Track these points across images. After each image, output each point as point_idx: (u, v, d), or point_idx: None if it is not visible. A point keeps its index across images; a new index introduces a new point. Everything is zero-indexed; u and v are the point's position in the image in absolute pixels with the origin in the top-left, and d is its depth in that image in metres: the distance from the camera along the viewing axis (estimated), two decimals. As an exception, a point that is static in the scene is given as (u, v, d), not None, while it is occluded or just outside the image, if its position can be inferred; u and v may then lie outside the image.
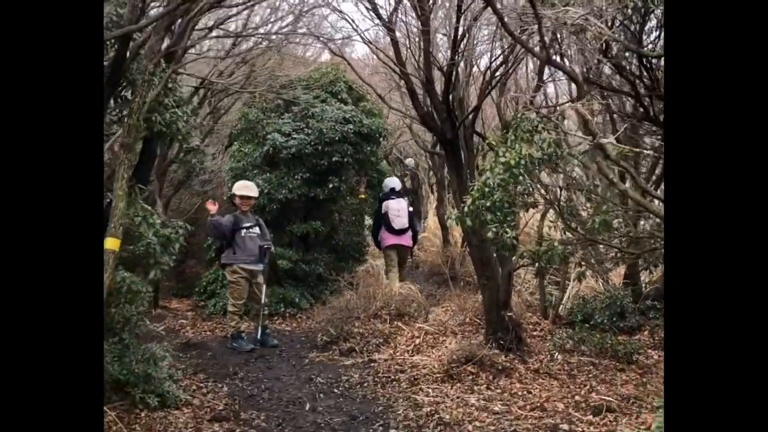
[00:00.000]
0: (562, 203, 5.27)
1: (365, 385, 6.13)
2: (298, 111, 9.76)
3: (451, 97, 6.90)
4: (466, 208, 5.01)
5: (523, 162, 4.89)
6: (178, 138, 4.09)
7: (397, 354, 6.90)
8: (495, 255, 6.87)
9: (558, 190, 5.40)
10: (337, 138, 9.27)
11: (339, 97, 10.20)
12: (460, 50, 6.60)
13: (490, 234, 4.90)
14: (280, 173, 9.47)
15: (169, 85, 4.00)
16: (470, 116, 7.44)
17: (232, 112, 11.31)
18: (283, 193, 9.24)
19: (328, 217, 10.28)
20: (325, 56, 13.49)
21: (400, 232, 9.79)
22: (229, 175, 10.06)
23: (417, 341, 7.15)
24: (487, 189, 4.94)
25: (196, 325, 8.58)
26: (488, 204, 4.92)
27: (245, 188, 7.94)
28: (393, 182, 10.22)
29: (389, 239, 9.80)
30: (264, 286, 7.87)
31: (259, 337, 7.52)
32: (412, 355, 6.81)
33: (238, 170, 9.82)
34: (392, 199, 9.87)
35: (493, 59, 6.82)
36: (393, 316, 7.88)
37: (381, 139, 10.30)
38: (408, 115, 9.07)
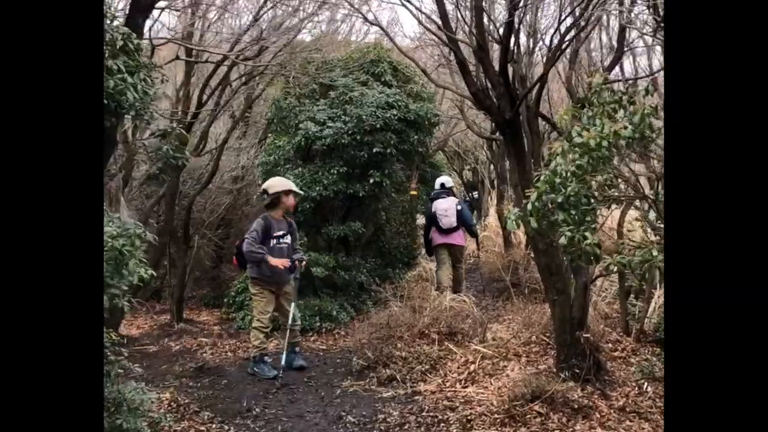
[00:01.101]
0: (657, 197, 4.03)
1: (406, 427, 5.01)
2: (335, 96, 8.70)
3: (510, 69, 5.71)
4: (529, 206, 3.87)
5: (605, 143, 3.73)
6: (130, 114, 3.05)
7: (447, 385, 5.76)
8: (566, 262, 5.66)
9: (653, 179, 4.18)
10: (378, 126, 8.17)
11: (382, 79, 9.10)
12: (520, 7, 5.40)
13: (563, 239, 3.73)
14: (314, 167, 8.43)
15: (120, 43, 2.98)
16: (533, 91, 6.22)
17: (264, 101, 10.33)
18: (317, 190, 8.19)
19: (371, 216, 9.20)
20: (370, 37, 12.40)
21: (449, 231, 9.43)
22: (260, 170, 9.07)
23: (471, 368, 5.99)
24: (557, 180, 3.80)
25: (217, 344, 7.59)
26: (559, 199, 3.77)
27: (291, 184, 6.76)
28: (442, 179, 9.86)
29: (438, 239, 9.45)
30: (294, 300, 6.80)
31: (283, 361, 6.45)
32: (465, 387, 5.66)
33: (269, 165, 8.82)
34: (441, 198, 9.56)
35: (561, 19, 5.58)
36: (443, 335, 6.74)
37: (431, 126, 9.13)
38: (458, 93, 7.86)
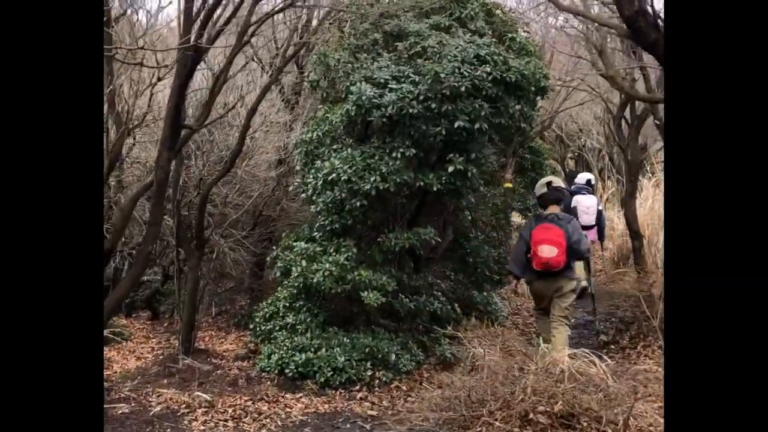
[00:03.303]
0: None
1: None
2: (403, 48, 6.33)
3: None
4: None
5: None
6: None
7: None
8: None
9: None
10: (463, 89, 5.77)
11: (470, 26, 6.65)
12: None
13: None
14: (370, 149, 6.10)
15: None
16: None
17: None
18: (372, 182, 5.86)
19: (449, 219, 6.84)
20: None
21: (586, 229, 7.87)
22: (297, 152, 6.83)
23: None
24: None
25: (218, 405, 5.38)
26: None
27: None
28: (587, 175, 9.70)
29: None
30: None
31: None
32: None
33: (308, 145, 6.57)
34: (582, 194, 9.03)
35: None
36: (557, 419, 4.32)
37: (538, 94, 6.64)
38: (599, 22, 5.32)
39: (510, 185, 8.45)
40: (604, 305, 9.42)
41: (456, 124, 5.83)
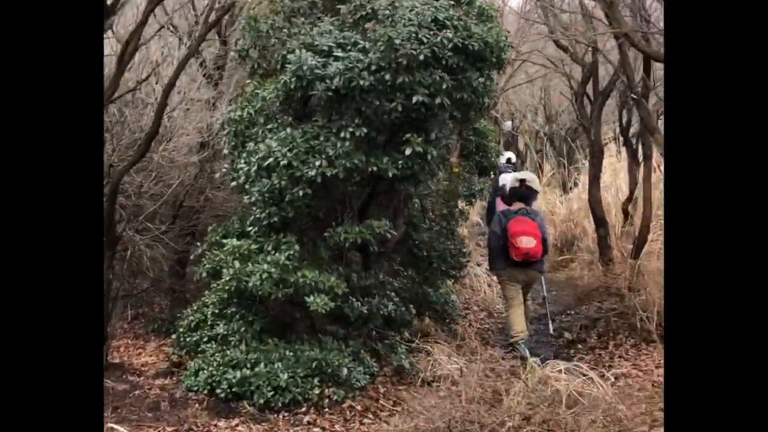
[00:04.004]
0: None
1: None
2: (347, 11, 5.48)
3: None
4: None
5: None
6: None
7: None
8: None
9: None
10: (421, 58, 4.98)
11: (423, -13, 5.85)
12: None
13: None
14: (313, 129, 5.25)
15: None
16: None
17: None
18: (317, 168, 5.03)
19: (402, 208, 6.06)
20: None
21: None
22: (226, 132, 5.92)
23: None
24: None
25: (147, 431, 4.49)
26: None
27: None
28: (508, 154, 9.69)
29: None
30: None
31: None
32: None
33: (238, 124, 5.68)
34: (507, 172, 8.65)
35: None
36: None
37: (498, 66, 5.91)
38: None
39: (456, 170, 7.79)
40: (555, 295, 8.91)
41: (414, 99, 5.03)
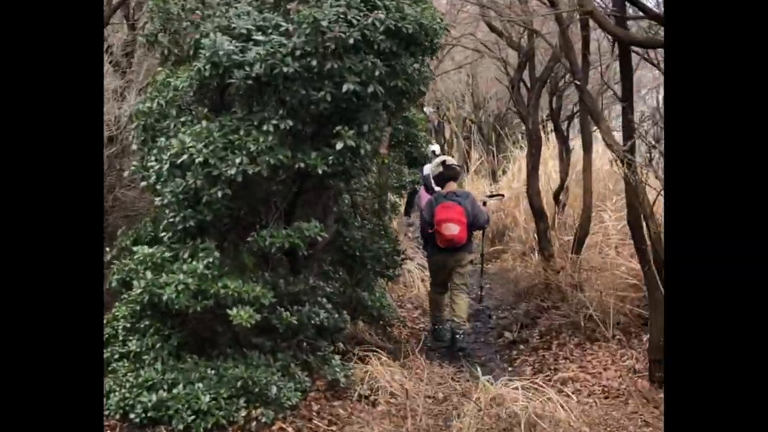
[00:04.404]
0: None
1: None
2: (267, -10, 4.99)
3: None
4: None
5: None
6: None
7: None
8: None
9: None
10: (351, 41, 4.52)
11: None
12: None
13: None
14: (231, 122, 4.73)
15: None
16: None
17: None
18: (237, 165, 4.52)
19: (329, 205, 5.62)
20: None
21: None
22: (135, 125, 5.33)
23: None
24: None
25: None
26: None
27: None
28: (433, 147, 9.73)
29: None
30: None
31: None
32: None
33: (148, 116, 5.10)
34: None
35: None
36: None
37: (432, 51, 5.50)
38: None
39: (386, 161, 7.39)
40: (489, 288, 8.65)
41: (344, 88, 4.57)
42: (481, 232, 7.78)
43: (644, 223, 4.80)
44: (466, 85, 13.90)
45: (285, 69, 4.50)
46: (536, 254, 10.17)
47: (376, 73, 4.64)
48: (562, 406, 3.67)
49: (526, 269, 9.18)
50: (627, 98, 4.58)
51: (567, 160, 8.36)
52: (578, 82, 5.12)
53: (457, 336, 6.42)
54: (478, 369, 4.73)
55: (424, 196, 8.84)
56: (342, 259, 6.23)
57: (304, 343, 5.17)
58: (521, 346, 6.25)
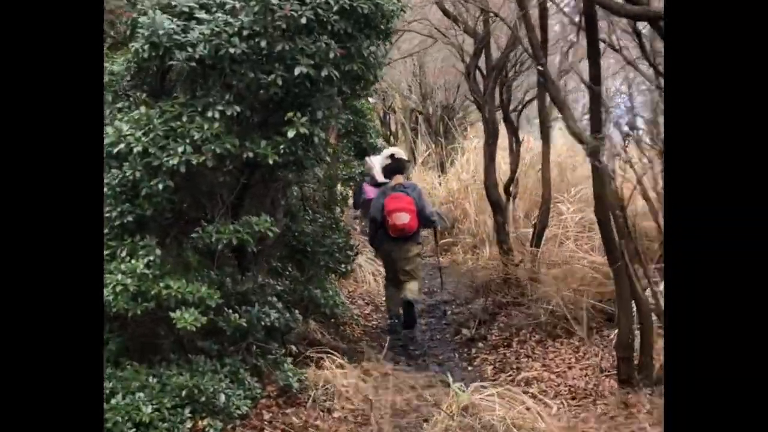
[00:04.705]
0: None
1: None
2: (210, -34, 4.61)
3: None
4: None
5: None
6: None
7: None
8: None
9: None
10: (304, 21, 4.21)
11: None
12: None
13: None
14: (172, 108, 4.36)
15: None
16: None
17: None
18: (180, 155, 4.15)
19: (278, 198, 5.32)
20: None
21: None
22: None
23: None
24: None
25: None
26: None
27: None
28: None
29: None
30: None
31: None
32: None
33: (80, 103, 4.65)
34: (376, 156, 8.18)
35: None
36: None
37: (388, 32, 5.20)
38: None
39: (335, 150, 7.11)
40: (442, 282, 8.44)
41: (296, 71, 4.25)
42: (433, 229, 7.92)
43: (612, 217, 4.60)
44: (413, 75, 13.62)
45: (231, 50, 4.15)
46: (488, 247, 10.04)
47: (331, 55, 4.32)
48: (540, 415, 3.43)
49: (478, 262, 9.01)
50: (596, 82, 4.36)
51: (517, 152, 8.16)
52: (541, 67, 4.89)
53: (411, 307, 6.51)
54: (449, 376, 4.45)
55: (368, 191, 8.66)
56: (291, 255, 5.91)
57: (254, 347, 4.83)
58: (480, 344, 6.02)
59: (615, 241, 4.61)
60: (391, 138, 15.47)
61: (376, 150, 8.50)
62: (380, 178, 7.80)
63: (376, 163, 8.73)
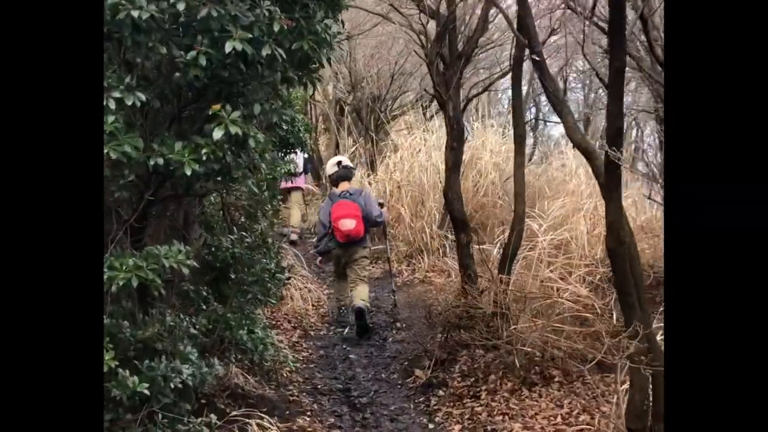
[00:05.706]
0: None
1: None
2: None
3: None
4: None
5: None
6: None
7: None
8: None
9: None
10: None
11: None
12: None
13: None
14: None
15: None
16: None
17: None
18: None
19: (192, 211, 4.16)
20: None
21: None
22: None
23: None
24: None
25: None
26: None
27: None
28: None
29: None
30: None
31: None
32: None
33: None
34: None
35: None
36: None
37: (338, 4, 4.09)
38: None
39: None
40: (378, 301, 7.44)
41: (227, 47, 3.08)
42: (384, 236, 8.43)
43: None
44: (339, 63, 12.45)
45: (134, 13, 2.94)
46: (426, 258, 9.07)
47: (275, 28, 3.17)
48: None
49: (414, 275, 8.22)
50: (618, 80, 3.36)
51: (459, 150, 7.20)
52: (537, 58, 3.89)
53: (363, 313, 6.66)
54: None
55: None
56: (209, 278, 4.74)
57: (159, 415, 3.65)
58: (440, 391, 4.97)
59: (630, 279, 3.68)
60: (312, 132, 14.28)
61: (304, 146, 7.42)
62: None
63: (300, 161, 9.25)
